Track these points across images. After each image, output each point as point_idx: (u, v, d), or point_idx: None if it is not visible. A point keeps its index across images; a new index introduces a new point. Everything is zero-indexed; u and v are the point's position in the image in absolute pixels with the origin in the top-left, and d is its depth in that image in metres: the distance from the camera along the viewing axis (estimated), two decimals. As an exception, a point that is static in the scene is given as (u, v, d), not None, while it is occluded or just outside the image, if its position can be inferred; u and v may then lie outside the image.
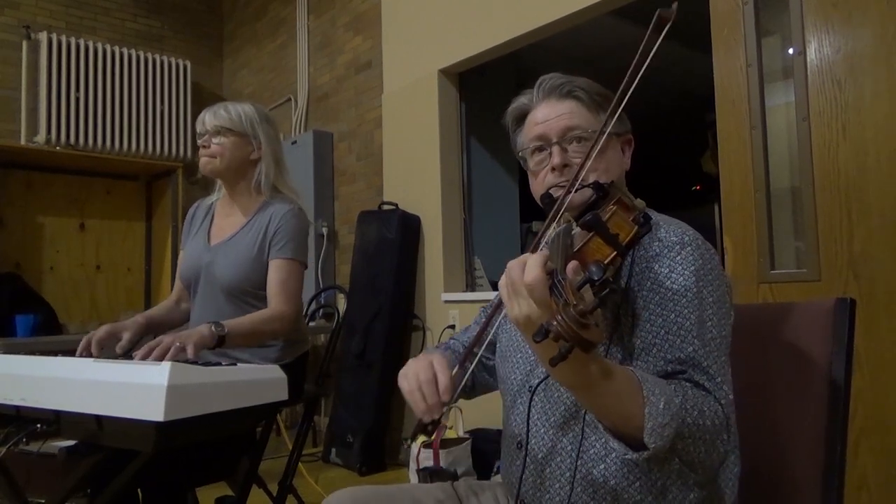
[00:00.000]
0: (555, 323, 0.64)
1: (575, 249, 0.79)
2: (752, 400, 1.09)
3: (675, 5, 0.86)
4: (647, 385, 0.79)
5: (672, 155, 6.27)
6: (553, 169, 1.02)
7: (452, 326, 3.31)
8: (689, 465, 0.86)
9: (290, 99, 4.62)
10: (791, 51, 1.87)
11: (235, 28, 5.32)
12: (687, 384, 0.85)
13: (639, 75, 0.86)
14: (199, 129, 1.85)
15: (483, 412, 2.89)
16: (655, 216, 1.00)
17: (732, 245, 1.96)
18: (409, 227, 3.49)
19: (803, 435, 1.02)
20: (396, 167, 3.72)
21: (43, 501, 1.29)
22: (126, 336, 1.63)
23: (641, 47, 0.85)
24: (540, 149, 1.05)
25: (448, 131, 3.47)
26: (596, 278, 0.68)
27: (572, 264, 0.73)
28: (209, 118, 1.82)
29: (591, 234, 0.80)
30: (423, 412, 0.93)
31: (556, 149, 1.02)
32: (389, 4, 3.80)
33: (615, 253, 0.79)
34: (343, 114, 4.16)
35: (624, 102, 0.90)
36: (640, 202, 0.90)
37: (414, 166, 3.58)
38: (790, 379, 1.07)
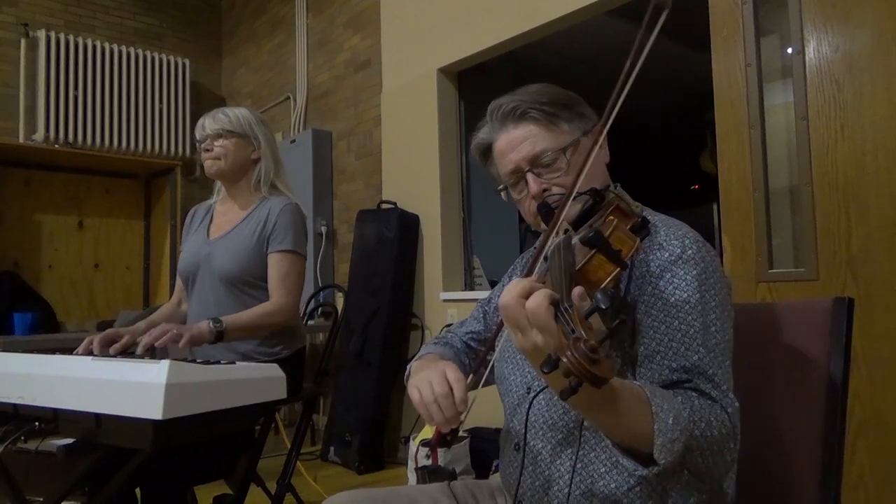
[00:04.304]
0: (564, 360, 0.60)
1: (577, 267, 0.75)
2: (750, 399, 1.09)
3: None
4: (656, 400, 0.77)
5: (671, 154, 6.27)
6: (534, 198, 1.01)
7: (451, 325, 3.30)
8: (698, 476, 0.85)
9: (288, 97, 4.61)
10: (790, 50, 1.88)
11: (234, 26, 5.31)
12: (693, 394, 0.84)
13: (635, 70, 0.81)
14: (198, 135, 1.89)
15: (481, 411, 2.89)
16: (653, 217, 0.98)
17: (731, 244, 1.96)
18: (407, 225, 3.49)
19: (801, 434, 1.02)
20: (395, 166, 3.72)
21: (41, 500, 1.29)
22: (125, 339, 1.65)
23: (639, 36, 0.80)
24: (517, 181, 1.05)
25: (447, 130, 3.47)
26: (604, 307, 0.65)
27: (578, 290, 0.70)
28: (209, 123, 1.88)
29: (592, 252, 0.76)
30: (440, 424, 0.92)
31: (530, 177, 1.01)
32: (388, 3, 3.80)
33: (618, 269, 0.76)
34: (342, 112, 4.15)
35: (618, 106, 0.87)
36: (637, 206, 0.88)
37: (413, 165, 3.58)
38: (788, 378, 1.07)
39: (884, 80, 1.70)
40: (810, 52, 1.83)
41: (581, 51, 4.19)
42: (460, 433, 0.91)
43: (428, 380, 0.93)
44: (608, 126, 0.84)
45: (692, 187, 6.82)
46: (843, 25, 1.77)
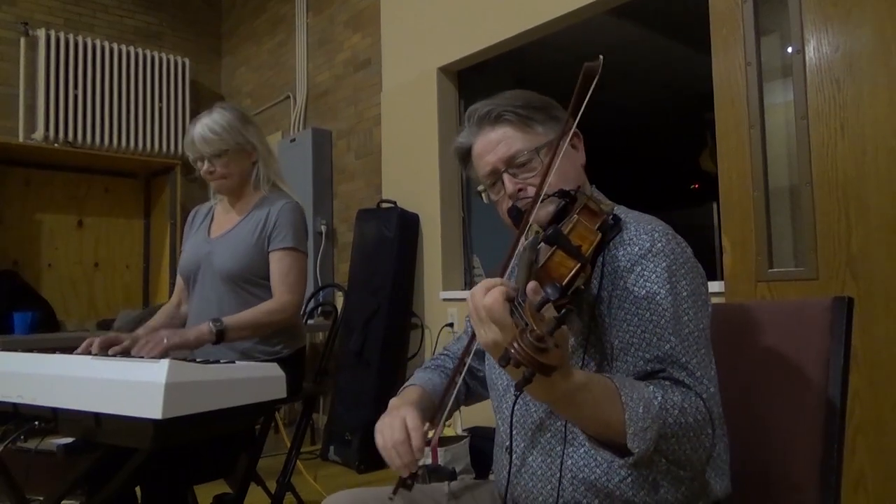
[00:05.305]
0: (513, 350, 0.62)
1: (539, 265, 0.78)
2: (749, 398, 1.09)
3: (601, 58, 0.88)
4: (625, 390, 0.79)
5: (671, 154, 6.27)
6: (510, 197, 1.03)
7: (451, 325, 3.31)
8: (676, 464, 0.86)
9: (288, 97, 4.61)
10: (790, 49, 1.87)
11: (234, 25, 5.31)
12: (666, 382, 0.85)
13: (576, 121, 0.89)
14: (191, 155, 1.85)
15: (481, 411, 2.89)
16: (625, 215, 0.99)
17: (731, 244, 1.96)
18: (407, 225, 3.49)
19: (801, 433, 1.02)
20: (395, 165, 3.72)
21: (41, 499, 1.29)
22: (125, 344, 1.65)
23: (574, 97, 0.87)
24: (495, 182, 1.07)
25: (447, 129, 3.47)
26: (552, 299, 0.67)
27: (532, 284, 0.72)
28: (201, 144, 1.82)
29: (553, 248, 0.79)
30: (399, 468, 0.95)
31: (506, 177, 1.04)
32: (389, 2, 3.79)
33: (579, 264, 0.77)
34: (342, 112, 4.15)
35: (563, 148, 0.92)
36: (607, 205, 0.90)
37: (413, 164, 3.58)
38: (788, 377, 1.07)
39: (884, 79, 1.70)
40: (810, 51, 1.83)
41: (581, 49, 4.19)
42: (419, 474, 0.98)
43: (389, 426, 0.98)
44: (571, 131, 0.90)
45: (692, 187, 6.82)
46: (843, 25, 1.77)
